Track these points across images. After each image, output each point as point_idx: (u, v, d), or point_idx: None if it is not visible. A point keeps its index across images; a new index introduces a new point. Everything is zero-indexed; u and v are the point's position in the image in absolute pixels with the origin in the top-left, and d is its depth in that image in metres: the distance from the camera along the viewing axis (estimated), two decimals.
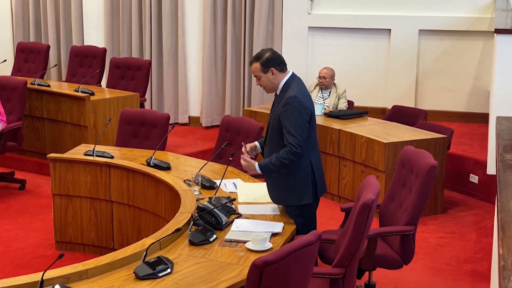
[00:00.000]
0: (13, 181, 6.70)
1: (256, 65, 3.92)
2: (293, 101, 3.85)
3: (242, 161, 4.03)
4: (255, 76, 3.97)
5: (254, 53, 8.04)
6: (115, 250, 4.25)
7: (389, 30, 7.83)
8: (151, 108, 8.45)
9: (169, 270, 3.20)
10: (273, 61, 3.91)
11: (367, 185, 3.60)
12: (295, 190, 3.96)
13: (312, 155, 3.99)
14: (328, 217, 5.58)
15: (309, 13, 8.05)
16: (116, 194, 4.98)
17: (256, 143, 4.19)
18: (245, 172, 4.60)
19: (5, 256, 5.13)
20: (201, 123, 8.46)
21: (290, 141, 3.83)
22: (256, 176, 4.74)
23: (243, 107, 8.16)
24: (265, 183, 4.21)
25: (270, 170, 3.94)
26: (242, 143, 4.22)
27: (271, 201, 4.12)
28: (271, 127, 4.00)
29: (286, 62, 3.99)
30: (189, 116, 8.57)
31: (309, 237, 2.91)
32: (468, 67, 7.75)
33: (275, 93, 4.02)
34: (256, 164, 3.97)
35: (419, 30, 7.74)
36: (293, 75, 3.99)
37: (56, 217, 5.18)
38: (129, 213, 4.95)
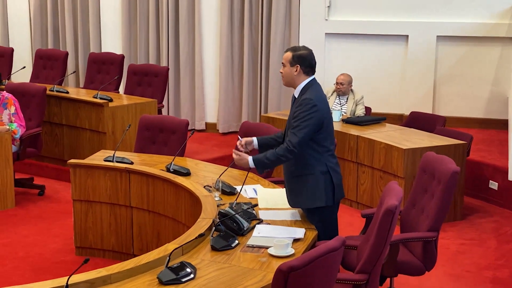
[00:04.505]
0: (32, 187, 6.74)
1: (289, 54, 4.00)
2: (307, 103, 3.89)
3: (234, 155, 4.05)
4: (282, 63, 4.04)
5: (271, 60, 8.11)
6: (134, 255, 4.26)
7: (407, 36, 7.83)
8: (168, 114, 8.47)
9: (192, 276, 3.20)
10: (303, 60, 3.97)
11: (389, 191, 3.59)
12: (308, 193, 3.97)
13: (328, 160, 3.99)
14: (347, 223, 5.57)
15: (326, 19, 8.06)
16: (136, 200, 4.99)
17: (254, 138, 4.19)
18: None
19: (25, 262, 5.16)
20: (218, 130, 8.47)
21: (290, 138, 3.87)
22: (277, 182, 4.74)
23: (260, 113, 8.17)
24: (284, 189, 4.21)
25: (264, 164, 3.96)
26: (238, 137, 4.23)
27: (290, 206, 4.12)
28: (288, 129, 4.02)
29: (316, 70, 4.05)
30: (205, 123, 8.59)
31: (333, 243, 2.90)
32: (486, 73, 7.73)
33: (293, 95, 4.04)
34: (250, 158, 3.98)
35: (437, 36, 7.73)
36: (313, 80, 4.03)
37: (76, 222, 5.20)
38: (149, 218, 4.96)
